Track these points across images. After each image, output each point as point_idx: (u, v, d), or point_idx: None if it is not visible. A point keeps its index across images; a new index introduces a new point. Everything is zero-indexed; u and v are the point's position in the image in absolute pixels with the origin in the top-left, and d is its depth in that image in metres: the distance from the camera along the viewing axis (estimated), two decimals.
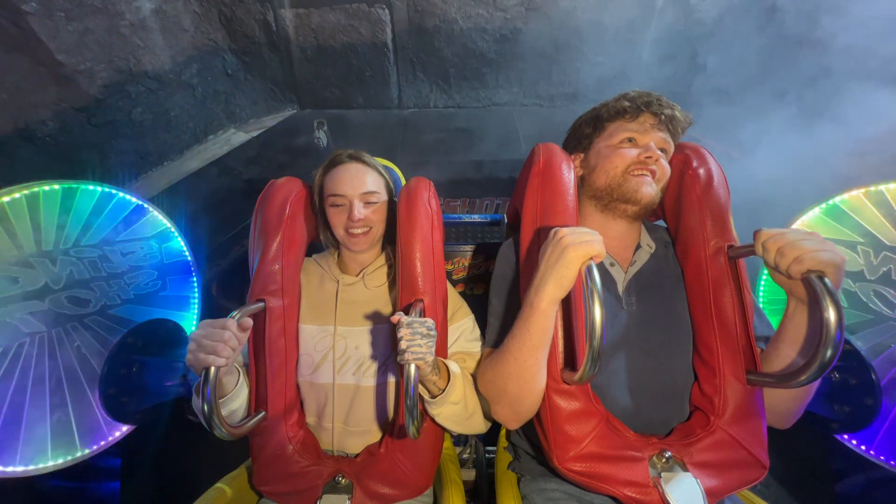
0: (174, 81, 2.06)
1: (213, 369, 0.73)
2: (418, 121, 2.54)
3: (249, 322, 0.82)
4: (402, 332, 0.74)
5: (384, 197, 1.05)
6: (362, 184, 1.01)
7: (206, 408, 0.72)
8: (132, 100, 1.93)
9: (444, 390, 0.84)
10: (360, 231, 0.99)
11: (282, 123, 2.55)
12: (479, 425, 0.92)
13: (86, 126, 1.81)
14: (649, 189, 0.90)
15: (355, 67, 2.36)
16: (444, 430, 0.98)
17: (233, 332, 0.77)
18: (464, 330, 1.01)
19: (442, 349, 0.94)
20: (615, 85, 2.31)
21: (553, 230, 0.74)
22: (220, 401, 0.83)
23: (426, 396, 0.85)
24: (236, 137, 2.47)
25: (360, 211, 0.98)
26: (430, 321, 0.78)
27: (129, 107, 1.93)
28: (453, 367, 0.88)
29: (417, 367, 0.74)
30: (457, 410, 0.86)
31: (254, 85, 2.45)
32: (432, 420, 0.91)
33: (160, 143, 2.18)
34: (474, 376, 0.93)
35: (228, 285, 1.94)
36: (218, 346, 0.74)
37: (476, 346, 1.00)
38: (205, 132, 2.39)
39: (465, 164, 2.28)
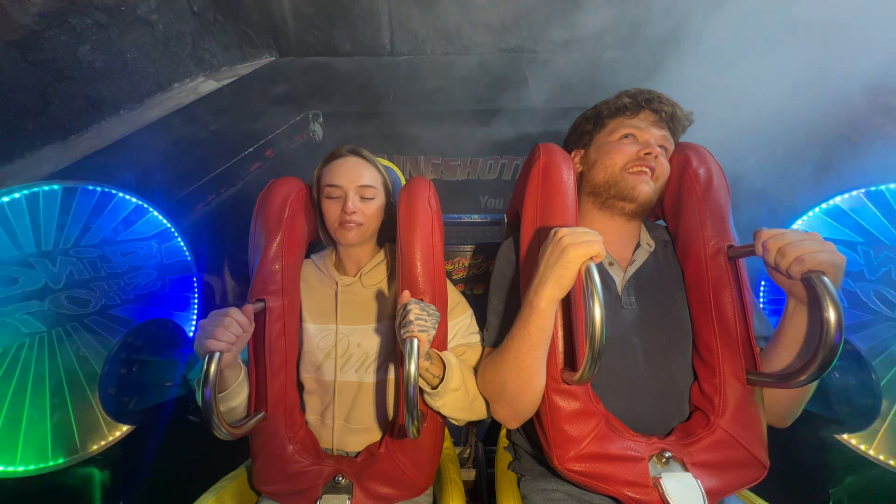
0: (128, 16, 1.76)
1: (215, 356, 0.73)
2: (414, 68, 2.23)
3: (250, 310, 0.84)
4: (411, 307, 0.78)
5: (380, 194, 1.05)
6: (359, 176, 1.01)
7: (204, 400, 0.72)
8: (77, 35, 1.63)
9: (442, 379, 0.84)
10: (352, 224, 1.00)
11: (258, 71, 2.26)
12: (482, 410, 0.92)
13: (21, 63, 1.54)
14: (646, 187, 0.90)
15: (341, 5, 2.08)
16: (446, 424, 0.98)
17: (234, 317, 0.79)
18: (461, 325, 1.01)
19: (441, 345, 0.94)
20: (639, 26, 2.02)
21: (553, 230, 0.74)
22: (221, 395, 0.85)
23: (427, 388, 0.85)
24: (206, 86, 2.18)
25: (354, 203, 0.98)
26: (434, 306, 0.82)
27: (73, 43, 1.64)
28: (446, 355, 0.89)
29: (420, 343, 0.76)
30: (459, 397, 0.87)
31: (225, 27, 2.13)
32: (438, 414, 0.92)
33: (115, 89, 1.88)
34: (475, 368, 0.94)
35: (196, 248, 1.65)
36: (217, 331, 0.76)
37: (475, 339, 1.00)
38: (169, 79, 2.09)
39: (467, 115, 2.00)
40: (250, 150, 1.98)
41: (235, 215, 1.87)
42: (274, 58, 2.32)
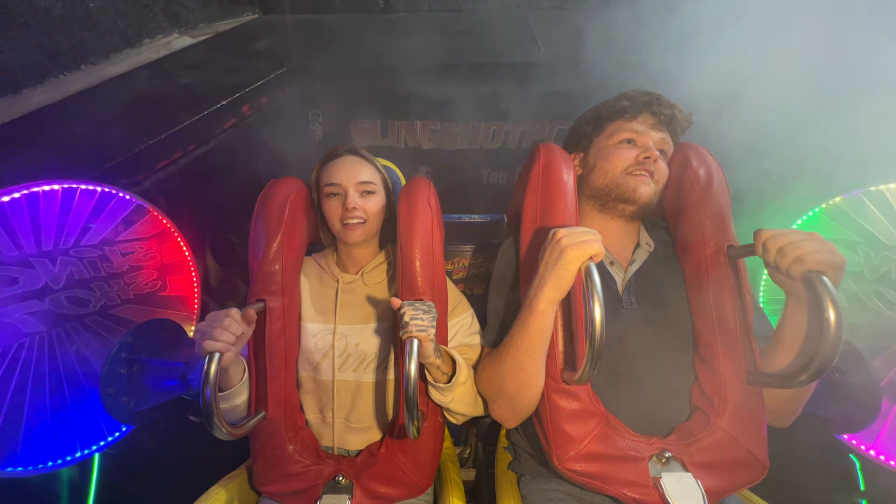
0: None
1: (215, 356, 0.74)
2: (410, 24, 2.07)
3: (252, 312, 0.84)
4: (405, 310, 0.78)
5: (380, 190, 1.05)
6: (358, 173, 1.01)
7: (204, 400, 0.73)
8: None
9: (451, 376, 0.85)
10: (355, 222, 1.00)
11: (239, 28, 2.10)
12: (482, 405, 0.93)
13: None
14: (647, 189, 0.90)
15: None
16: (446, 424, 0.99)
17: (233, 318, 0.79)
18: (462, 325, 1.02)
19: (442, 343, 0.94)
20: None
21: (552, 231, 0.74)
22: (227, 392, 0.86)
23: (438, 384, 0.86)
24: (180, 42, 1.99)
25: (354, 200, 0.99)
26: (429, 302, 0.82)
27: None
28: (452, 350, 0.91)
29: (420, 343, 0.76)
30: (467, 390, 0.88)
31: None
32: (439, 413, 0.92)
33: (77, 42, 1.70)
34: (475, 368, 0.94)
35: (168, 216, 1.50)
36: (216, 332, 0.76)
37: (476, 339, 1.01)
38: (139, 35, 1.89)
39: (467, 69, 1.82)
40: (224, 103, 1.79)
41: (206, 178, 1.68)
42: (257, 15, 2.15)
